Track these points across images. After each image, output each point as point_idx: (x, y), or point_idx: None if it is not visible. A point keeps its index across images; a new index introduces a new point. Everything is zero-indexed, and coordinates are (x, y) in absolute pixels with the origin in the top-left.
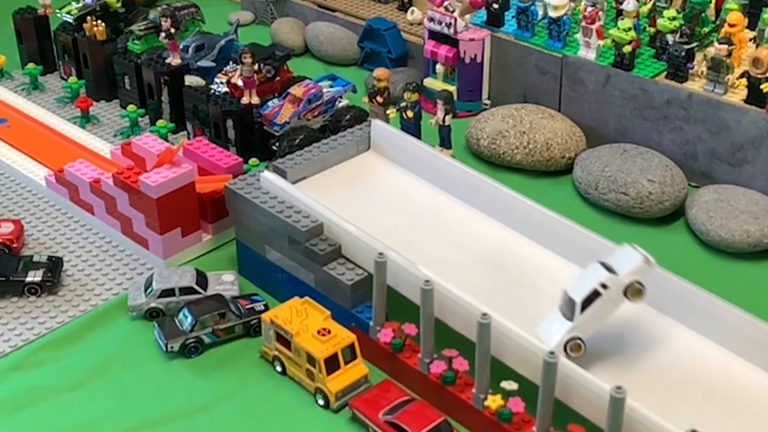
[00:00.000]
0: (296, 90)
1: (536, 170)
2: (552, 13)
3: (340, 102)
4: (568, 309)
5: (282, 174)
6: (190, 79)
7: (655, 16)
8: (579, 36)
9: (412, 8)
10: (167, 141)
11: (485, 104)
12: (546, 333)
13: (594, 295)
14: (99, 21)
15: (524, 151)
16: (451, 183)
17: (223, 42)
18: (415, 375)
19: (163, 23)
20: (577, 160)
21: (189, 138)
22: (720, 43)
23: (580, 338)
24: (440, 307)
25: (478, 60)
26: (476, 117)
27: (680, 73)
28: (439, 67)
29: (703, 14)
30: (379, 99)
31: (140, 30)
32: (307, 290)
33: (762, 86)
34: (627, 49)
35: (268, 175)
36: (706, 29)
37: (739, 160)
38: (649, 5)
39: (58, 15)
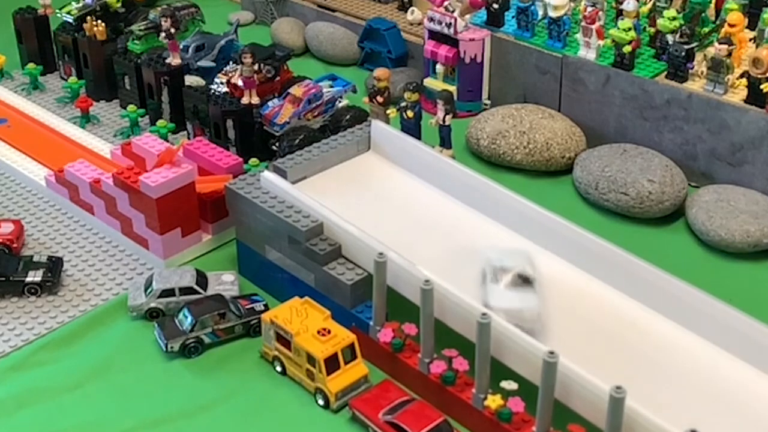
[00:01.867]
0: (296, 90)
1: (536, 170)
2: (552, 13)
3: (340, 102)
4: (520, 283)
5: (282, 174)
6: (190, 79)
7: (655, 16)
8: (579, 36)
9: (412, 8)
10: (167, 141)
11: (485, 104)
12: (520, 305)
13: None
14: (99, 21)
15: (524, 151)
16: (451, 183)
17: (223, 42)
18: (415, 375)
19: (163, 23)
20: (577, 160)
21: (189, 138)
22: (720, 43)
23: None
24: (440, 307)
25: (478, 60)
26: (476, 117)
27: (680, 73)
28: (439, 67)
29: (703, 14)
30: (379, 99)
31: (140, 30)
32: (307, 290)
33: (762, 86)
34: (627, 49)
35: (268, 175)
36: (706, 29)
37: (739, 160)
38: (649, 5)
39: (58, 15)
